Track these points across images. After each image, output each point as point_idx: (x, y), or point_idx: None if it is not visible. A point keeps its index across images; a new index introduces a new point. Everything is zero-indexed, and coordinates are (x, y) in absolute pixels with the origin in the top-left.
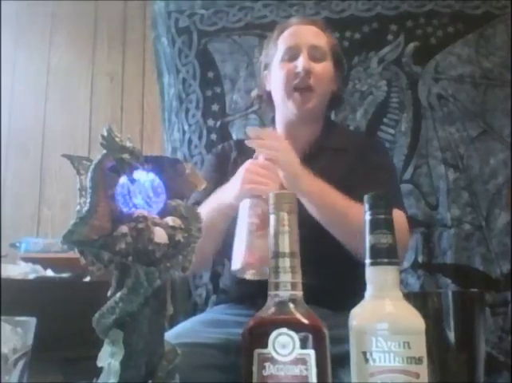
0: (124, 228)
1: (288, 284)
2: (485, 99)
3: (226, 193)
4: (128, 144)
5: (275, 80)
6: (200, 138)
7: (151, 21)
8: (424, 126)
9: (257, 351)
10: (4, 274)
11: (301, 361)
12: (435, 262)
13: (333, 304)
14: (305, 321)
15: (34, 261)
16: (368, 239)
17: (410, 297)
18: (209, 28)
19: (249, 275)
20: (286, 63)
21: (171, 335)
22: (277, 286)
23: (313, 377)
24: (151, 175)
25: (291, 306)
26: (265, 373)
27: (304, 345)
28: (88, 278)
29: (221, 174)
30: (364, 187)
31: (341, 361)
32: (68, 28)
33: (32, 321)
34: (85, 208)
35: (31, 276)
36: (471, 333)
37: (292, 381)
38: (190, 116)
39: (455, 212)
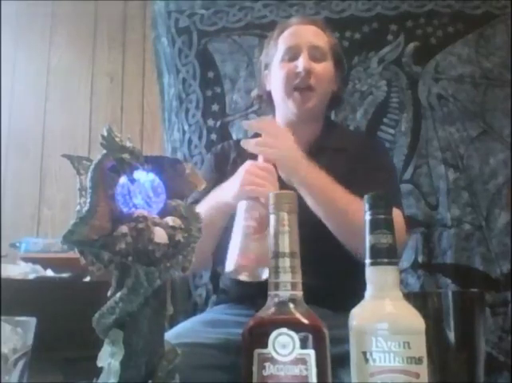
0: (124, 228)
1: (288, 284)
2: (485, 99)
3: (225, 192)
4: (128, 144)
5: (275, 79)
6: (200, 138)
7: (151, 21)
8: (424, 126)
9: (257, 351)
10: (4, 274)
11: (301, 361)
12: (435, 262)
13: (333, 304)
14: (305, 321)
15: (34, 261)
16: (368, 239)
17: (410, 297)
18: (209, 28)
19: (242, 277)
20: (287, 63)
21: (171, 335)
22: (277, 286)
23: (313, 377)
24: (151, 175)
25: (291, 305)
26: (265, 373)
27: (304, 345)
28: (88, 278)
29: (220, 174)
30: (364, 187)
31: (341, 361)
32: (68, 28)
33: (32, 321)
34: (85, 208)
35: (31, 276)
36: (471, 333)
37: (292, 381)
38: (190, 116)
39: (455, 212)
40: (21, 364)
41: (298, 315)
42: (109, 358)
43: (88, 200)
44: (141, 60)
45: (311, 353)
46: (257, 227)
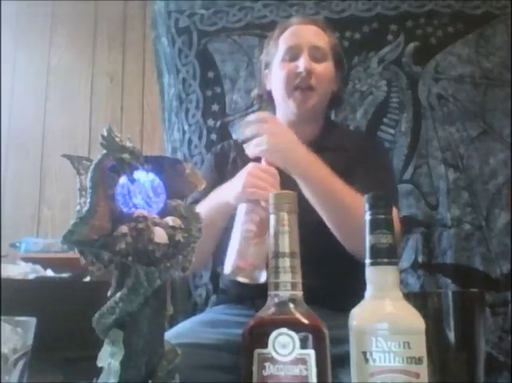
0: (124, 228)
1: (288, 284)
2: (485, 99)
3: (226, 192)
4: (128, 144)
5: (276, 79)
6: (200, 138)
7: (151, 21)
8: (424, 126)
9: (257, 351)
10: (4, 274)
11: (301, 361)
12: (435, 262)
13: (333, 304)
14: (305, 321)
15: (34, 261)
16: (368, 239)
17: (410, 297)
18: (209, 28)
19: (240, 279)
20: (287, 63)
21: (171, 335)
22: (277, 286)
23: (313, 377)
24: (151, 175)
25: (291, 305)
26: (265, 373)
27: (304, 345)
28: (88, 278)
29: (220, 174)
30: (364, 187)
31: (341, 361)
32: (68, 28)
33: (32, 321)
34: (85, 208)
35: (31, 276)
36: (471, 333)
37: (292, 381)
38: (190, 116)
39: (455, 212)
40: (21, 364)
41: (298, 315)
42: (109, 358)
43: (88, 200)
44: (141, 60)
45: (311, 353)
46: (257, 231)
